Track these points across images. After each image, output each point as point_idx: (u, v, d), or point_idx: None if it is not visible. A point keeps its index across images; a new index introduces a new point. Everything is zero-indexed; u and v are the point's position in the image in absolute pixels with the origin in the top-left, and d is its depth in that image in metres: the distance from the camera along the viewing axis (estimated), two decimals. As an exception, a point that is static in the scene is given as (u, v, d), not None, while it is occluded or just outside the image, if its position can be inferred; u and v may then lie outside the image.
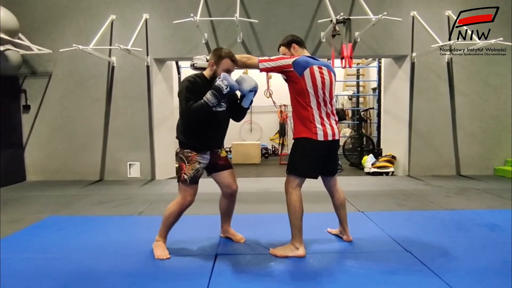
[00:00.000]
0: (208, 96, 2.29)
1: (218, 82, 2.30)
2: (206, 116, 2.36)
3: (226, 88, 2.28)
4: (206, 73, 2.49)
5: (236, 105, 2.61)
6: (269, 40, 5.58)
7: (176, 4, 5.60)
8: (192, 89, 2.35)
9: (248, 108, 2.63)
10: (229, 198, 2.71)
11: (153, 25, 5.64)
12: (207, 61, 2.50)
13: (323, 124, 2.43)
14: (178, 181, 2.50)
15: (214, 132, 2.53)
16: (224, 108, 2.46)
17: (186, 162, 2.44)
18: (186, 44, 5.67)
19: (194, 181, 2.46)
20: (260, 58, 2.48)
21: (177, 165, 2.55)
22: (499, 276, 2.17)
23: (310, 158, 2.46)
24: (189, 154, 2.45)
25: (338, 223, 2.79)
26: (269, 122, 9.69)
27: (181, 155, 2.47)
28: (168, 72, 6.29)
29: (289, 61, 2.41)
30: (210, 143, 2.54)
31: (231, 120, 2.68)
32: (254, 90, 2.48)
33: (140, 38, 5.47)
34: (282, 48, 2.64)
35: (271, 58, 2.46)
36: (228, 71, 2.41)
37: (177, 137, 2.53)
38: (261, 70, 2.47)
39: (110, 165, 5.79)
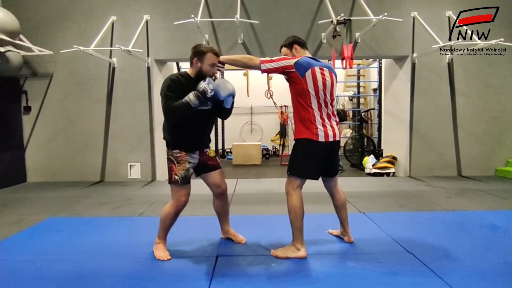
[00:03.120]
0: (191, 96, 2.28)
1: (204, 85, 2.29)
2: (191, 115, 2.34)
3: (210, 92, 2.30)
4: (191, 71, 2.47)
5: (220, 105, 2.58)
6: (270, 41, 5.58)
7: (177, 5, 5.60)
8: (174, 88, 2.33)
9: (232, 107, 2.60)
10: (220, 198, 2.70)
11: (154, 26, 5.64)
12: None
13: (324, 125, 2.42)
14: (169, 183, 2.48)
15: (201, 131, 2.53)
16: (210, 107, 2.47)
17: (176, 162, 2.43)
18: (187, 45, 5.57)
19: (185, 181, 2.44)
20: (262, 59, 2.47)
21: (167, 166, 2.51)
22: (500, 277, 2.15)
23: (311, 159, 2.45)
24: (178, 155, 2.43)
25: (339, 224, 2.78)
26: (270, 123, 9.68)
27: (170, 156, 2.45)
28: (169, 73, 6.20)
29: (291, 61, 2.40)
30: (198, 143, 2.53)
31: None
32: (231, 95, 2.46)
33: (141, 39, 5.48)
34: (284, 49, 2.63)
35: (273, 59, 2.45)
36: (213, 65, 2.42)
37: (164, 138, 2.51)
38: (263, 71, 2.46)
39: (110, 166, 5.79)
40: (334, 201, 2.72)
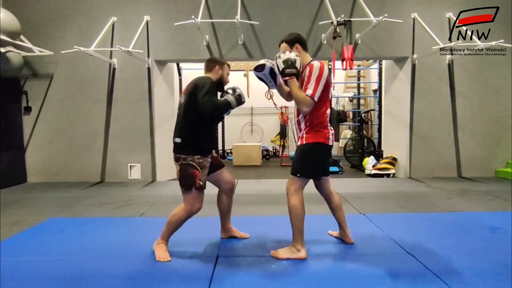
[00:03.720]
0: (232, 98, 2.43)
1: (240, 90, 2.51)
2: (219, 117, 2.53)
3: (243, 99, 2.49)
4: (213, 76, 2.56)
5: None
6: (270, 41, 5.58)
7: (177, 6, 5.61)
8: (214, 88, 2.44)
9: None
10: (229, 194, 2.77)
11: (154, 27, 5.65)
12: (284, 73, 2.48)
13: (330, 129, 2.49)
14: (188, 189, 2.43)
15: (215, 134, 2.60)
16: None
17: (199, 168, 2.43)
18: (187, 46, 5.67)
19: (205, 186, 2.50)
20: (308, 93, 2.31)
21: (180, 173, 2.45)
22: (501, 278, 2.15)
23: (322, 162, 2.54)
24: (200, 160, 2.44)
25: (338, 226, 2.78)
26: (270, 124, 9.69)
27: (192, 162, 2.42)
28: (169, 74, 6.29)
29: (326, 69, 2.36)
30: (213, 146, 2.63)
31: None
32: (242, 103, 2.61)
33: (141, 40, 5.48)
34: (284, 45, 2.51)
35: (312, 80, 2.31)
36: (228, 74, 2.66)
37: (181, 142, 2.45)
38: (317, 101, 2.37)
39: (110, 167, 5.79)
40: (330, 203, 2.71)
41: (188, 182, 2.42)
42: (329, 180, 2.71)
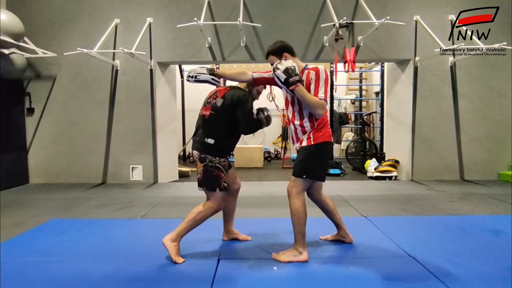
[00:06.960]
0: (264, 119, 2.55)
1: (269, 113, 2.61)
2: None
3: (270, 120, 2.62)
4: (244, 88, 2.68)
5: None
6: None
7: (180, 8, 5.63)
8: (252, 107, 2.54)
9: None
10: (235, 195, 2.83)
11: (157, 29, 5.67)
12: (211, 73, 2.62)
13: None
14: (213, 190, 2.47)
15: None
16: None
17: (224, 171, 2.50)
18: (190, 48, 5.69)
19: (229, 188, 2.58)
20: (321, 97, 2.34)
21: (205, 174, 2.47)
22: (503, 282, 2.14)
23: (327, 163, 2.58)
24: (225, 163, 2.53)
25: (337, 228, 2.78)
26: (272, 126, 9.60)
27: (218, 165, 2.47)
28: (171, 76, 6.31)
29: (323, 73, 2.38)
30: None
31: None
32: None
33: (144, 42, 5.50)
34: (272, 57, 2.52)
35: (322, 86, 2.35)
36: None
37: (214, 144, 2.46)
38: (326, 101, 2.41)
39: (112, 168, 5.81)
40: (326, 207, 2.69)
41: (214, 183, 2.47)
42: (322, 185, 2.69)
